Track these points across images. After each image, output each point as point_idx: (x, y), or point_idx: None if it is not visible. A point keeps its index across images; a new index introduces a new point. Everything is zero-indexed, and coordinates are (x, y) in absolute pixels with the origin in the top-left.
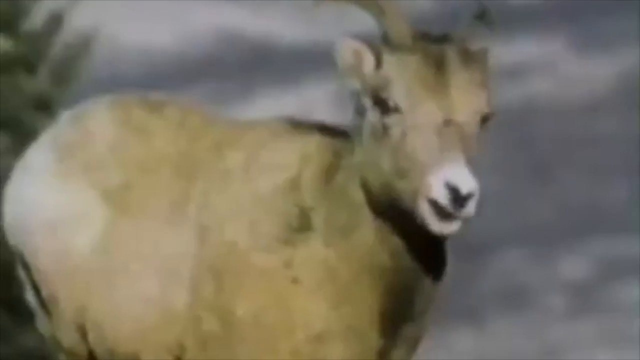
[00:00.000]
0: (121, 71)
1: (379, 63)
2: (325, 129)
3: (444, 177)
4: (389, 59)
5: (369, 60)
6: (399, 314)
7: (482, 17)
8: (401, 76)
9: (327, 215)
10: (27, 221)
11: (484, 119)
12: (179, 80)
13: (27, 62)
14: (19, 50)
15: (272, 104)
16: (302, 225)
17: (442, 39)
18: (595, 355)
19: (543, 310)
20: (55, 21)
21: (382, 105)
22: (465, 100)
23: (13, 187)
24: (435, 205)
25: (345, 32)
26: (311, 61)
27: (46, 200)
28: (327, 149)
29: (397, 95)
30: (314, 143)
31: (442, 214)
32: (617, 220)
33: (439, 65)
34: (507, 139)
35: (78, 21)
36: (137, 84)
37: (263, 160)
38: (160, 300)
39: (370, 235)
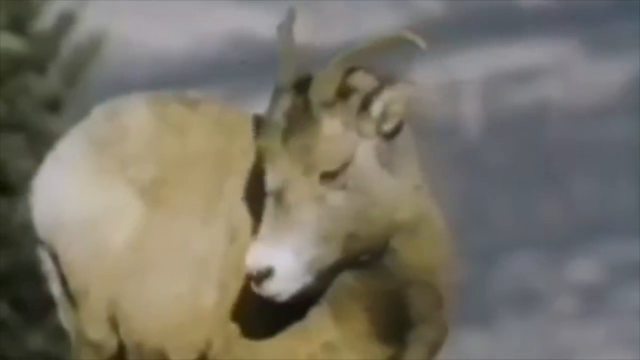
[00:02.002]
0: (132, 72)
1: None
2: None
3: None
4: None
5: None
6: (394, 321)
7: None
8: None
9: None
10: (59, 214)
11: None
12: (189, 82)
13: (37, 63)
14: (29, 51)
15: None
16: None
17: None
18: (606, 358)
19: (553, 313)
20: (66, 22)
21: None
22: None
23: (44, 180)
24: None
25: (355, 33)
26: (320, 64)
27: (80, 194)
28: None
29: None
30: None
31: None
32: (627, 224)
33: None
34: (518, 142)
35: (89, 22)
36: (148, 85)
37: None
38: (190, 298)
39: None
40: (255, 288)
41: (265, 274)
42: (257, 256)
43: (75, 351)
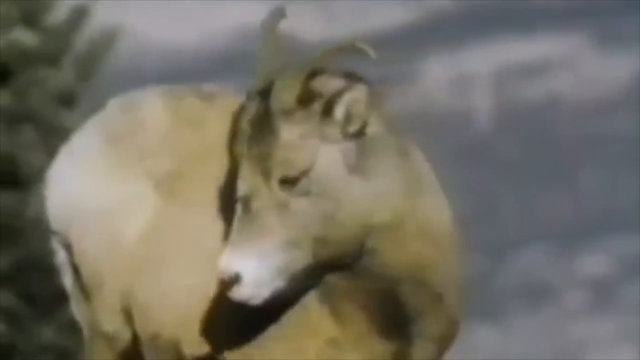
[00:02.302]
0: (144, 66)
1: None
2: None
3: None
4: None
5: None
6: (392, 318)
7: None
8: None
9: None
10: (74, 206)
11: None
12: (201, 76)
13: (50, 57)
14: (43, 45)
15: None
16: None
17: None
18: (616, 352)
19: (563, 307)
20: (79, 16)
21: None
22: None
23: (58, 172)
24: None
25: (365, 27)
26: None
27: (96, 186)
28: None
29: None
30: None
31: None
32: (636, 218)
33: None
34: (527, 136)
35: (102, 16)
36: (160, 80)
37: None
38: (202, 290)
39: None
40: (227, 293)
41: (234, 280)
42: (226, 262)
43: (88, 343)
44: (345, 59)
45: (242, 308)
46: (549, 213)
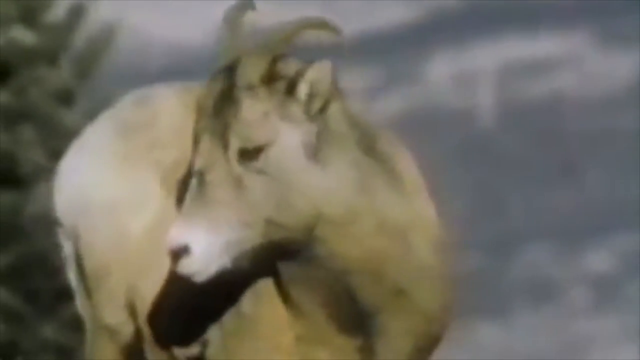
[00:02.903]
0: (144, 64)
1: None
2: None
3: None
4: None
5: None
6: (349, 312)
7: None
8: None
9: None
10: (83, 198)
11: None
12: (203, 74)
13: (49, 55)
14: (41, 44)
15: None
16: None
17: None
18: (619, 349)
19: (568, 303)
20: (78, 13)
21: None
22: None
23: (70, 164)
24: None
25: (370, 25)
26: (333, 56)
27: (106, 179)
28: None
29: None
30: None
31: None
32: None
33: None
34: (532, 134)
35: (101, 13)
36: (161, 77)
37: None
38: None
39: None
40: (173, 266)
41: (183, 251)
42: (176, 233)
43: (90, 338)
44: (342, 57)
45: (189, 297)
46: (552, 210)
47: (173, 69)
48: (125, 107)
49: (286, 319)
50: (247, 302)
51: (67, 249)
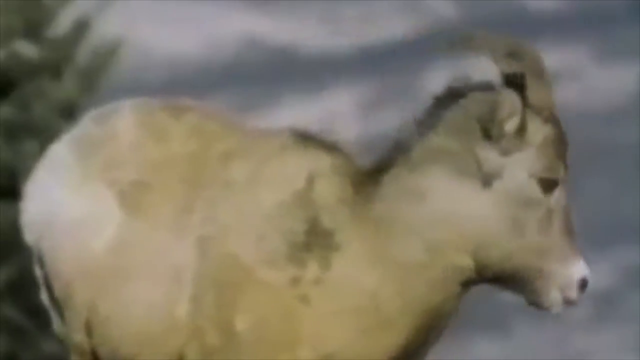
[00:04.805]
0: (147, 77)
1: (522, 127)
2: (336, 149)
3: (581, 273)
4: (533, 126)
5: (514, 122)
6: (412, 352)
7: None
8: (545, 149)
9: (363, 240)
10: (47, 218)
11: None
12: (204, 87)
13: (52, 69)
14: (44, 57)
15: (297, 111)
16: (311, 244)
17: None
18: None
19: (567, 317)
20: (81, 27)
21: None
22: None
23: (34, 184)
24: (566, 299)
25: (369, 40)
26: (335, 68)
27: (67, 198)
28: (347, 173)
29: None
30: (326, 161)
31: (569, 303)
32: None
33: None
34: None
35: (104, 27)
36: (163, 91)
37: (268, 174)
38: (163, 308)
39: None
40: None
41: (582, 285)
42: (585, 266)
43: (68, 356)
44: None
45: None
46: None
47: (175, 83)
48: (84, 125)
49: (306, 337)
50: (241, 318)
51: (37, 269)
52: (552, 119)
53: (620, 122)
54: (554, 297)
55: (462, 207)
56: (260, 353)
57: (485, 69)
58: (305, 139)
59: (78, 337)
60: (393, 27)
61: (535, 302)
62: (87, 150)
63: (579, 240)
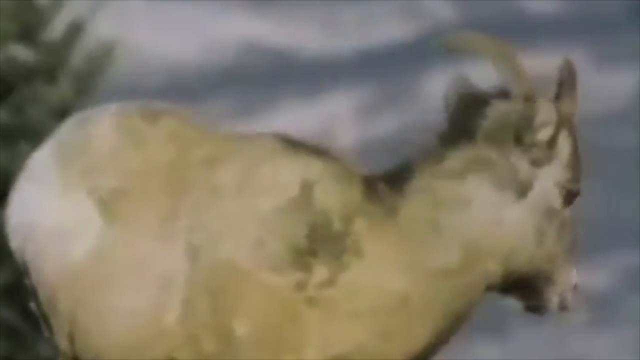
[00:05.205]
0: (143, 81)
1: (554, 138)
2: (324, 154)
3: (573, 280)
4: (562, 137)
5: (548, 131)
6: (423, 354)
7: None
8: (567, 159)
9: (388, 245)
10: (29, 225)
11: None
12: (201, 91)
13: (47, 72)
14: (40, 60)
15: (295, 114)
16: (316, 248)
17: None
18: None
19: (566, 321)
20: (76, 31)
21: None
22: None
23: (17, 191)
24: (562, 303)
25: (368, 44)
26: (334, 72)
27: (47, 205)
28: (346, 178)
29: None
30: (318, 167)
31: (564, 309)
32: (637, 233)
33: None
34: None
35: (100, 31)
36: (160, 95)
37: (260, 179)
38: (149, 316)
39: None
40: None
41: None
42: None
43: None
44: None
45: None
46: None
47: (173, 86)
48: (64, 131)
49: (313, 339)
50: (242, 323)
51: (26, 278)
52: (574, 131)
53: (618, 126)
54: (554, 302)
55: (500, 216)
56: (263, 356)
57: (485, 72)
58: (293, 144)
59: (63, 344)
60: (392, 30)
61: (536, 307)
62: (67, 157)
63: (578, 242)
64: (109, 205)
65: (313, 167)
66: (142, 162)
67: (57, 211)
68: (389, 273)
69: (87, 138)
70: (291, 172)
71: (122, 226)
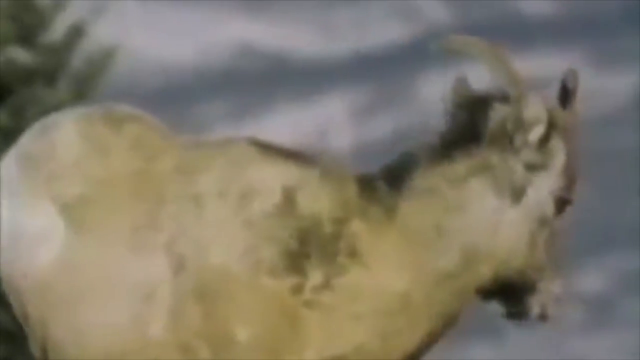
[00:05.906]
0: (141, 84)
1: (546, 138)
2: (296, 155)
3: (556, 290)
4: (557, 145)
5: (538, 130)
6: (415, 355)
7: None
8: (565, 170)
9: (388, 247)
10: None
11: None
12: (197, 94)
13: (46, 75)
14: (39, 63)
15: (291, 117)
16: (309, 252)
17: None
18: None
19: (562, 323)
20: (75, 34)
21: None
22: None
23: None
24: (542, 313)
25: (363, 46)
26: (329, 74)
27: (13, 214)
28: (330, 181)
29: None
30: (296, 173)
31: (544, 319)
32: (634, 235)
33: None
34: None
35: (98, 34)
36: (156, 98)
37: (241, 186)
38: (132, 328)
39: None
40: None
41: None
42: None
43: None
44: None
45: None
46: None
47: (170, 89)
48: (27, 138)
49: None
50: (240, 328)
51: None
52: (571, 141)
53: (616, 128)
54: (535, 311)
55: (498, 220)
56: (263, 359)
57: (480, 75)
58: (266, 148)
59: (37, 353)
60: (387, 32)
61: (517, 314)
62: (31, 165)
63: (574, 245)
64: (73, 212)
65: (291, 173)
66: (106, 170)
67: (22, 220)
68: (390, 273)
69: (50, 145)
70: (272, 178)
71: (90, 235)
